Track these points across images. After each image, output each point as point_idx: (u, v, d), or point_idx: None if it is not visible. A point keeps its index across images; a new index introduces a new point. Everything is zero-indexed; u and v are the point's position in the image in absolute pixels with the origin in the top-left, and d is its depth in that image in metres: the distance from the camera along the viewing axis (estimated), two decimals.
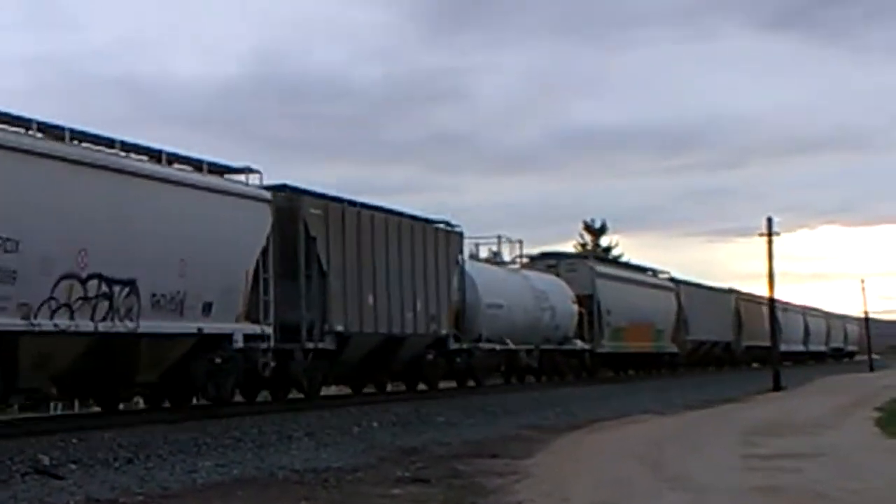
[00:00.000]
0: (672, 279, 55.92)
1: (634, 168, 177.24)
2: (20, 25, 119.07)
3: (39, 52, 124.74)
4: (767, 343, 70.57)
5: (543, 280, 40.05)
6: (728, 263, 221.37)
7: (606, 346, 43.78)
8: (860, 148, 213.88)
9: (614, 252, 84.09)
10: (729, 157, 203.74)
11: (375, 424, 20.35)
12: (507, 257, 40.22)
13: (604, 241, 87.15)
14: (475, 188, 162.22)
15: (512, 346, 35.34)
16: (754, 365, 71.37)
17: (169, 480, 13.01)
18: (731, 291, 67.60)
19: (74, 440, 15.60)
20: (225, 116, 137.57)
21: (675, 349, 53.29)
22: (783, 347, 73.36)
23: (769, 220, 47.46)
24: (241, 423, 18.99)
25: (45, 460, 13.70)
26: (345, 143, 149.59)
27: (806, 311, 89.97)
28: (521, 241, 40.85)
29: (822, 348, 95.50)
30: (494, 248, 39.76)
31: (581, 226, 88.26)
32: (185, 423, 18.92)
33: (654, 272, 54.60)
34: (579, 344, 41.26)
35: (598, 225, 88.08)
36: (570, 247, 76.33)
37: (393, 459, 15.66)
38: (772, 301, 49.93)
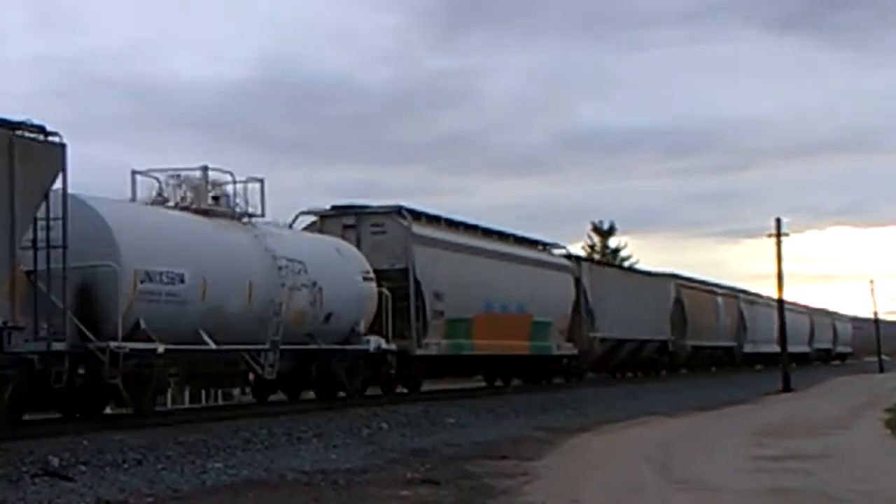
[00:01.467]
0: (570, 255, 42.08)
1: (642, 170, 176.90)
2: (25, 27, 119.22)
3: (44, 54, 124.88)
4: (723, 342, 60.59)
5: (305, 242, 25.96)
6: (737, 264, 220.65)
7: (434, 345, 29.01)
8: (870, 149, 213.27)
9: (623, 253, 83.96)
10: (737, 158, 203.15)
11: (385, 426, 20.34)
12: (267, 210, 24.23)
13: (612, 242, 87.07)
14: (483, 190, 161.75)
15: (212, 345, 20.97)
16: (712, 369, 59.64)
17: (179, 482, 13.03)
18: (669, 276, 54.59)
19: (84, 442, 15.60)
20: (231, 119, 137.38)
21: (572, 350, 38.72)
22: (748, 348, 65.89)
23: (778, 221, 47.46)
24: (250, 425, 18.99)
25: (55, 462, 13.71)
26: (351, 146, 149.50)
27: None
28: (262, 181, 24.06)
29: (804, 349, 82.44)
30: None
31: (589, 227, 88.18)
32: (195, 424, 18.91)
33: (544, 245, 39.56)
34: (373, 343, 26.06)
35: (606, 226, 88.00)
36: (579, 249, 68.58)
37: (402, 461, 15.67)
38: (780, 302, 49.75)
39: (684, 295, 54.28)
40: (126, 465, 14.07)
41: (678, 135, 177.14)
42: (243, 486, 12.94)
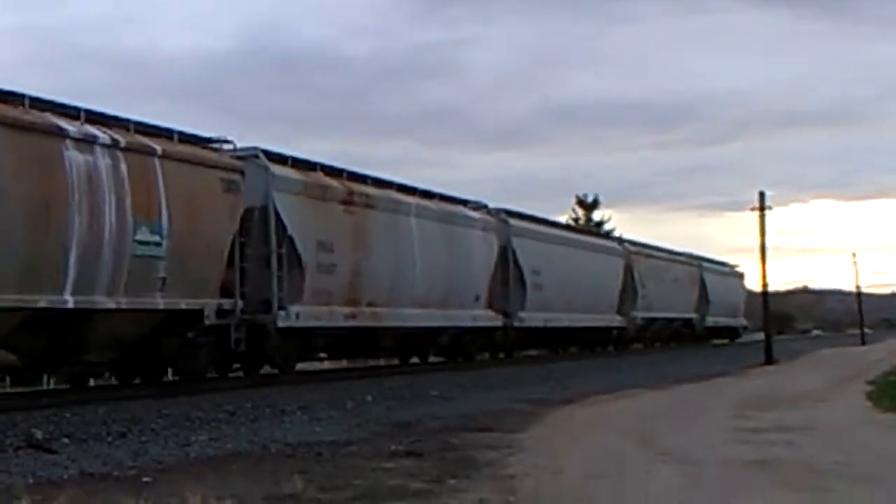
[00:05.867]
0: None
1: (627, 142, 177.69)
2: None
3: (23, 24, 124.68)
4: None
5: None
6: (720, 238, 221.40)
7: None
8: (853, 122, 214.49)
9: (606, 227, 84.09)
10: (721, 131, 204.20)
11: (369, 398, 20.36)
12: None
13: (596, 215, 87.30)
14: (468, 163, 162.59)
15: None
16: None
17: (162, 454, 13.02)
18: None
19: (68, 414, 15.61)
20: (212, 90, 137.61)
21: None
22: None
23: (761, 194, 47.36)
24: (234, 398, 19.00)
25: (38, 434, 13.70)
26: (336, 119, 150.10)
27: (573, 241, 44.26)
28: None
29: (603, 319, 45.15)
30: None
31: (574, 200, 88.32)
32: (179, 397, 18.93)
33: None
34: None
35: (590, 199, 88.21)
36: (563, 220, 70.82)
37: (386, 433, 15.67)
38: (764, 278, 49.67)
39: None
40: (110, 438, 14.06)
41: (662, 108, 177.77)
42: (227, 459, 12.92)
